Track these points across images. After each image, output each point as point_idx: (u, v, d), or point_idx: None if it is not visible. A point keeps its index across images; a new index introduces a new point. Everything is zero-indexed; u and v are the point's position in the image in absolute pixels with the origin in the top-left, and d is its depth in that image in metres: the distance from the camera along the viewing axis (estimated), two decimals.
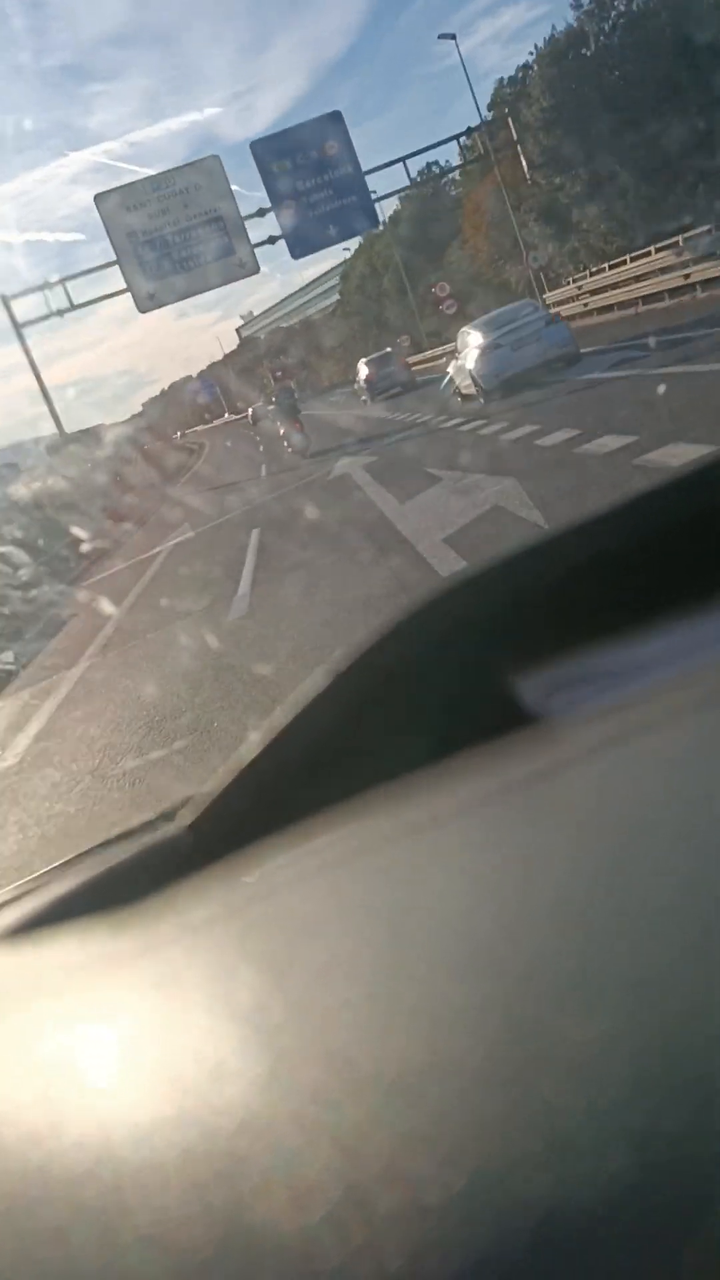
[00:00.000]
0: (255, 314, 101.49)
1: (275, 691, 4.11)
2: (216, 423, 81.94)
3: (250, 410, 50.42)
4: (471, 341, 14.16)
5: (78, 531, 17.55)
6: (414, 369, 28.74)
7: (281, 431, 19.43)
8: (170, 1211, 0.21)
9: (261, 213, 24.01)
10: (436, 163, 40.47)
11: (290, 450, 18.38)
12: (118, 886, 0.50)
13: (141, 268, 23.11)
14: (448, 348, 19.34)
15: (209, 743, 3.87)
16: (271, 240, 24.42)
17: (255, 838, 0.45)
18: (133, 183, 23.78)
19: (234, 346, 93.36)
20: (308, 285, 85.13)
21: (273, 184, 24.01)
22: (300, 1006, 0.26)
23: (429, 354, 31.78)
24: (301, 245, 24.88)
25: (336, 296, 61.37)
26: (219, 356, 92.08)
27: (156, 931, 0.37)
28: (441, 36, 46.99)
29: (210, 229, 23.52)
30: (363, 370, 26.98)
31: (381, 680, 0.50)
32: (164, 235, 23.31)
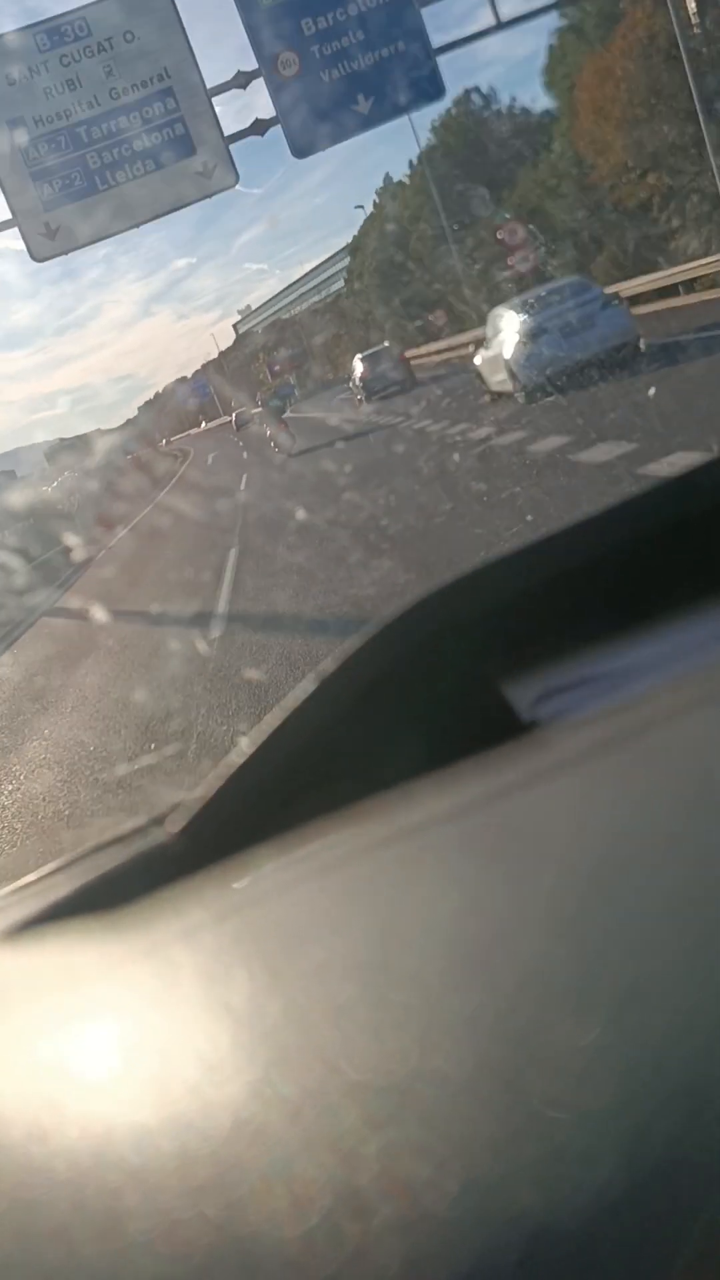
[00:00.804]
0: (253, 308, 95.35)
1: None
2: (204, 427, 75.32)
3: (234, 415, 47.40)
4: (506, 326, 10.89)
5: (69, 539, 17.74)
6: (446, 358, 25.11)
7: (268, 433, 19.86)
8: (167, 1214, 0.21)
9: (242, 81, 11.86)
10: (477, 88, 32.18)
11: (277, 450, 18.68)
12: (109, 891, 0.50)
13: (32, 182, 11.36)
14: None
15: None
16: (259, 130, 11.94)
17: (245, 843, 0.45)
18: (10, 33, 11.60)
19: (230, 345, 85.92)
20: (316, 268, 77.53)
21: (259, 27, 11.69)
22: (292, 1012, 0.26)
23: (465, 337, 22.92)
24: (307, 133, 11.93)
25: (341, 285, 54.95)
26: (214, 355, 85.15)
27: (148, 936, 0.37)
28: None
29: (153, 111, 11.53)
30: (357, 368, 24.28)
31: (370, 686, 0.50)
32: (72, 125, 11.37)
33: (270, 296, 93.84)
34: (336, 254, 66.45)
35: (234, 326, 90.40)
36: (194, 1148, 0.23)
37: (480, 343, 12.41)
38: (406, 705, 0.50)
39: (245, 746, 0.51)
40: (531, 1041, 0.22)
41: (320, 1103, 0.22)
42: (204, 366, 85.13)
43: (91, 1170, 0.23)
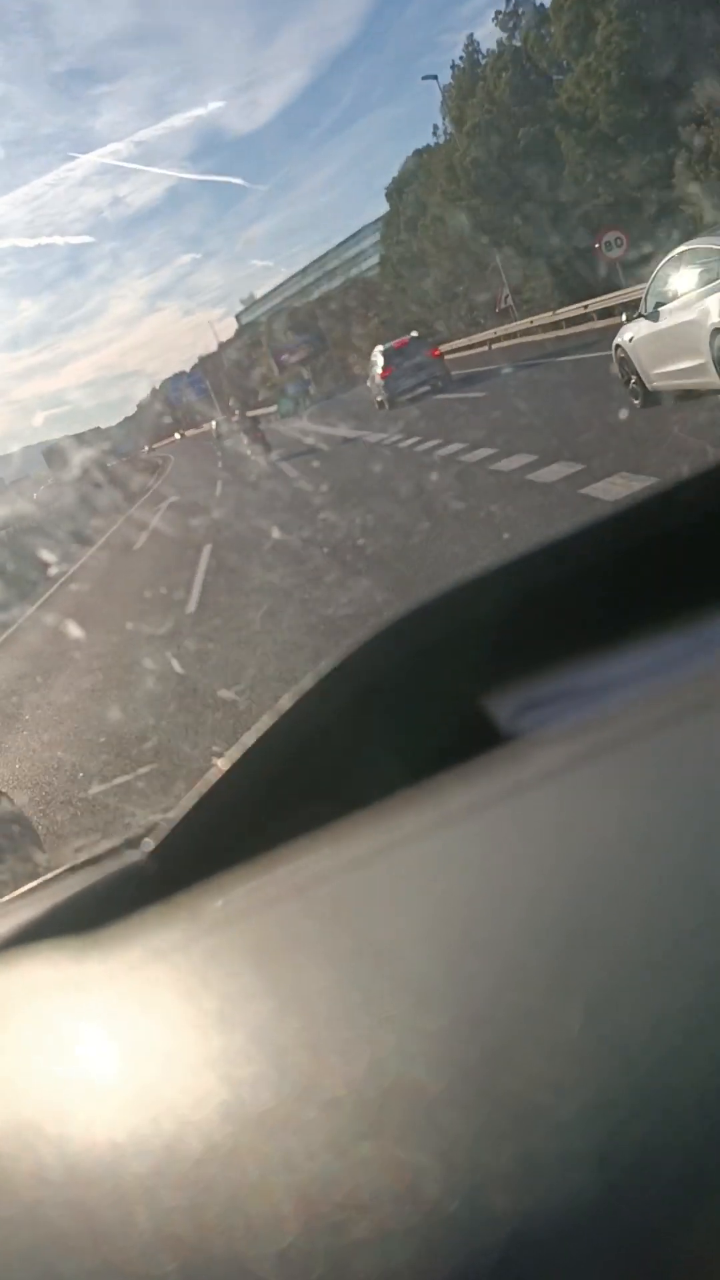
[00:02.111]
0: (258, 297, 75.89)
1: None
2: (181, 436, 66.79)
3: (213, 423, 41.95)
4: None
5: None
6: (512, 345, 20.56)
7: (246, 441, 19.88)
8: (140, 1237, 0.21)
9: None
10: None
11: (253, 456, 18.75)
12: (83, 912, 0.50)
13: None
14: (635, 293, 10.32)
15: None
16: None
17: (221, 863, 0.45)
18: None
19: (232, 336, 70.16)
20: (336, 249, 59.39)
21: None
22: (265, 1032, 0.26)
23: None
24: None
25: (367, 265, 46.54)
26: (214, 349, 68.31)
27: (122, 957, 0.36)
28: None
29: None
30: (377, 363, 19.35)
31: (349, 703, 0.50)
32: None
33: (280, 283, 74.74)
34: (365, 228, 52.02)
35: (236, 317, 73.70)
36: (169, 1168, 0.22)
37: (635, 310, 6.96)
38: (386, 721, 0.50)
39: (222, 765, 0.50)
40: (507, 1051, 0.22)
41: (297, 1119, 0.22)
42: (201, 361, 70.46)
43: (64, 1192, 0.23)
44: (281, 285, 72.40)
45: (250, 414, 39.15)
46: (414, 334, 20.75)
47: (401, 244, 32.99)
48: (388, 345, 19.80)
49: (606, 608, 0.50)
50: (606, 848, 0.28)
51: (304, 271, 66.44)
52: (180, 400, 68.27)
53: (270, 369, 49.92)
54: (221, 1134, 0.23)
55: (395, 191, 33.76)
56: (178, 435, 69.76)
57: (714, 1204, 0.18)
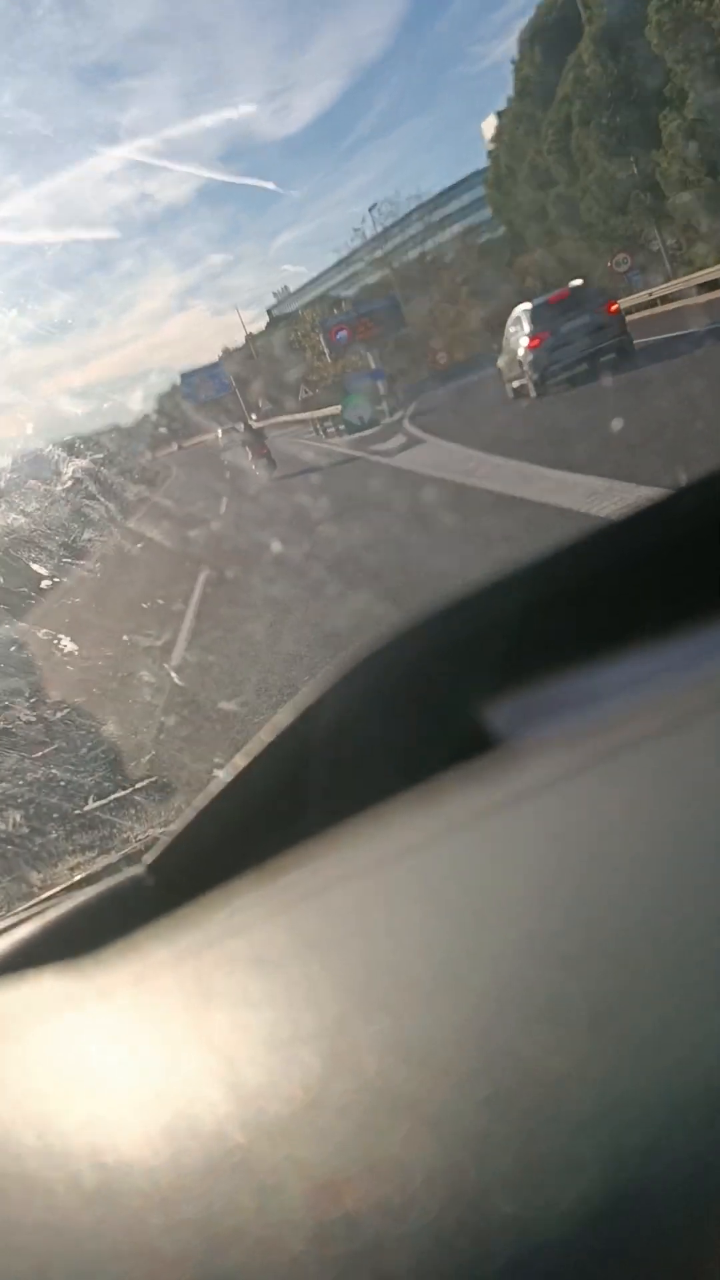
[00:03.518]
0: (292, 290, 61.90)
1: None
2: (181, 446, 55.65)
3: (218, 431, 36.63)
4: None
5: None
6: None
7: (249, 455, 16.71)
8: (151, 1248, 0.21)
9: None
10: None
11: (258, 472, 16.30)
12: (85, 928, 0.50)
13: None
14: None
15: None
16: None
17: (222, 876, 0.45)
18: None
19: (263, 329, 55.27)
20: (408, 216, 41.06)
21: None
22: (267, 1043, 0.26)
23: None
24: None
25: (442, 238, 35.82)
26: (241, 342, 54.29)
27: (123, 972, 0.36)
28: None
29: None
30: (521, 328, 12.38)
31: (347, 713, 0.50)
32: None
33: (322, 272, 57.97)
34: (442, 194, 40.56)
35: (268, 311, 59.90)
36: (177, 1181, 0.23)
37: None
38: (384, 731, 0.50)
39: (220, 781, 0.51)
40: (511, 1058, 0.22)
41: (302, 1129, 0.22)
42: (225, 354, 54.26)
43: (71, 1206, 0.23)
44: (325, 274, 56.91)
45: (280, 419, 31.24)
46: (577, 281, 13.34)
47: (510, 199, 27.43)
48: (538, 300, 12.81)
49: (604, 615, 0.50)
50: (606, 855, 0.28)
51: (353, 256, 49.11)
52: (197, 398, 54.11)
53: (318, 357, 34.85)
54: (227, 1146, 0.23)
55: (505, 129, 28.13)
56: (175, 446, 58.02)
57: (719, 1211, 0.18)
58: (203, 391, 49.97)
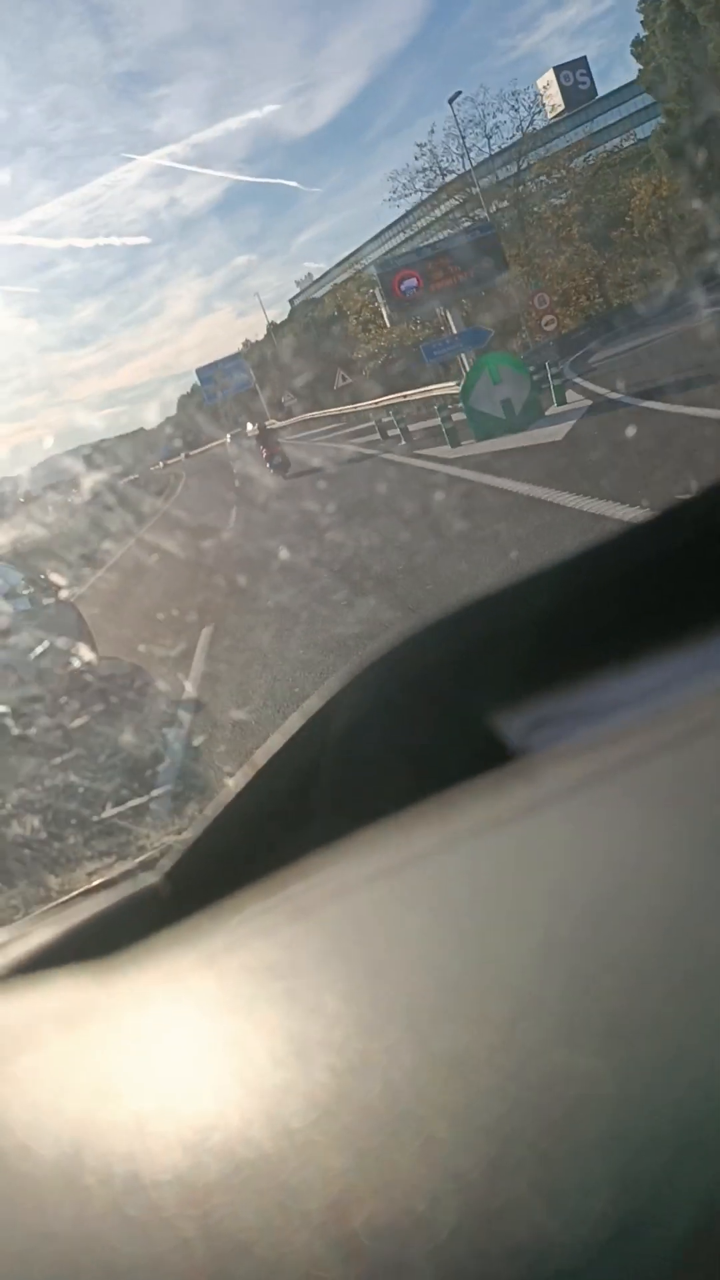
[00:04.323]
0: (314, 277, 57.17)
1: None
2: (186, 456, 51.28)
3: (228, 437, 34.04)
4: None
5: None
6: None
7: (264, 454, 15.25)
8: (163, 1260, 0.21)
9: None
10: None
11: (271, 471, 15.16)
12: (99, 935, 0.50)
13: None
14: None
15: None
16: None
17: (236, 883, 0.45)
18: None
19: (286, 318, 50.99)
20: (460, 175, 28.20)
21: None
22: (277, 1055, 0.26)
23: None
24: None
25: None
26: (258, 337, 50.46)
27: (138, 979, 0.36)
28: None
29: None
30: None
31: (358, 721, 0.50)
32: None
33: (349, 253, 54.36)
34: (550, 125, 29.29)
35: (290, 301, 55.94)
36: (188, 1193, 0.23)
37: None
38: (396, 739, 0.50)
39: (233, 787, 0.51)
40: (523, 1076, 0.21)
41: (313, 1146, 0.22)
42: (247, 346, 50.73)
43: (79, 1215, 0.23)
44: (352, 255, 52.20)
45: (307, 416, 26.48)
46: None
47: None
48: None
49: (616, 626, 0.50)
50: (619, 866, 0.28)
51: (389, 230, 44.47)
52: (215, 396, 47.02)
53: (364, 327, 28.08)
54: (243, 1154, 0.23)
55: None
56: (183, 455, 54.11)
57: None
58: (221, 387, 45.07)
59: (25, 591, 6.31)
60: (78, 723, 5.42)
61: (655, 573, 0.51)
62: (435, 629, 0.52)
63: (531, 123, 27.92)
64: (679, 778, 0.32)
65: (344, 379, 25.24)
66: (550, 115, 29.24)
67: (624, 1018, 0.22)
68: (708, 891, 0.25)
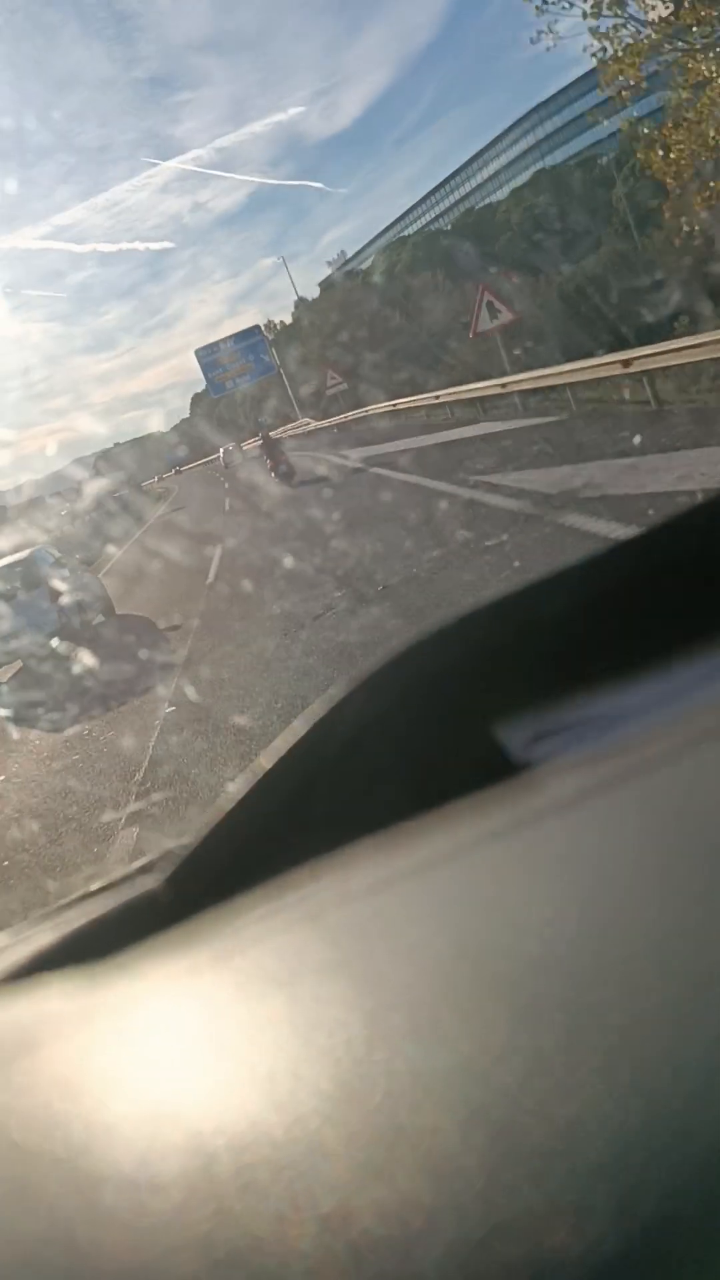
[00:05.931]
0: (348, 255, 54.38)
1: None
2: (187, 468, 45.04)
3: (221, 451, 30.12)
4: None
5: None
6: None
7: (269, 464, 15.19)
8: (157, 1271, 0.21)
9: None
10: None
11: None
12: (98, 940, 0.50)
13: None
14: None
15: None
16: None
17: (236, 889, 0.45)
18: None
19: (315, 299, 45.29)
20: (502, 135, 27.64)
21: None
22: (274, 1065, 0.26)
23: None
24: None
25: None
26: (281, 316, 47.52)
27: (136, 985, 0.36)
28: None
29: None
30: None
31: (361, 729, 0.50)
32: None
33: (384, 225, 50.07)
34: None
35: (319, 285, 51.70)
36: (186, 1201, 0.22)
37: None
38: (399, 748, 0.50)
39: (234, 792, 0.51)
40: (526, 1086, 0.21)
41: (313, 1153, 0.22)
42: (265, 327, 40.51)
43: (74, 1220, 0.23)
44: (389, 227, 45.77)
45: (343, 418, 21.63)
46: None
47: None
48: None
49: (619, 636, 0.50)
50: (622, 878, 0.28)
51: (432, 195, 37.84)
52: (221, 383, 35.88)
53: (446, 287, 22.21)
54: (240, 1164, 0.23)
55: None
56: (175, 470, 46.91)
57: None
58: (230, 375, 34.31)
59: (66, 565, 10.40)
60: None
61: (659, 582, 0.51)
62: (439, 638, 0.52)
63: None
64: (681, 790, 0.32)
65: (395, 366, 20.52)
66: None
67: (626, 1030, 0.22)
68: (709, 904, 0.25)
